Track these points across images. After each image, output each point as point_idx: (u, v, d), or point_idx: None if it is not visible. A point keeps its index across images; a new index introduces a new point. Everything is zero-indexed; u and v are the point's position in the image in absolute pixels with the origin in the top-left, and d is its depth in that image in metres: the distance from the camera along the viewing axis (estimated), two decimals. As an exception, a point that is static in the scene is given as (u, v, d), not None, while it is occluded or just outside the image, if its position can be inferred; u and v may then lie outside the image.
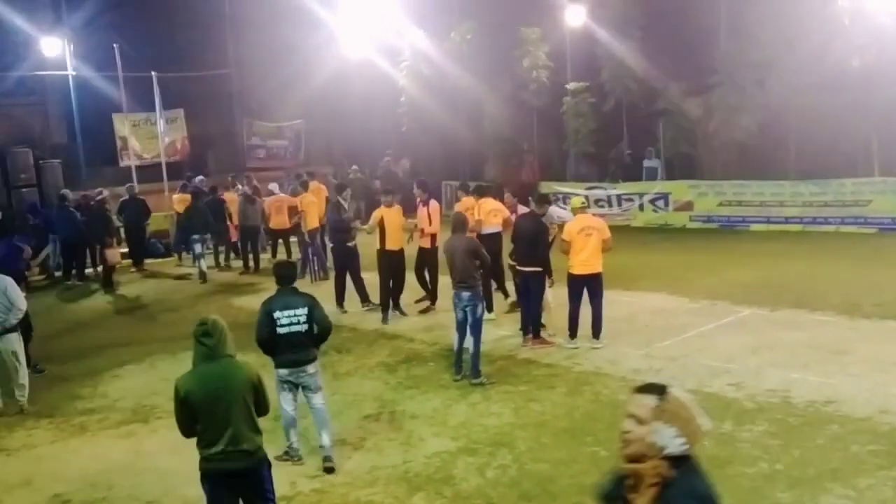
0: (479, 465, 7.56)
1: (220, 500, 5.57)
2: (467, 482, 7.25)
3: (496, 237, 12.78)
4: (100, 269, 18.80)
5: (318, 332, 7.62)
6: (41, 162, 22.23)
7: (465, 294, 9.88)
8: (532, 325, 11.12)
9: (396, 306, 13.41)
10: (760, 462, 7.19)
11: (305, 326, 7.51)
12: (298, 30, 24.90)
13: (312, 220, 16.72)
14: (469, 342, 9.95)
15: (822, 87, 17.69)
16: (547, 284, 11.17)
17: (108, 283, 17.66)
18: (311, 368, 7.69)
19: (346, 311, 13.70)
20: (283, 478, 7.43)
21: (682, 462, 3.13)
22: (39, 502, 7.48)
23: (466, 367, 9.96)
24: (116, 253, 18.43)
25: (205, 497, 5.60)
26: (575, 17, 21.62)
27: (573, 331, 10.91)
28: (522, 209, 12.73)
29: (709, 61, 19.48)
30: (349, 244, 14.05)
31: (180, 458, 8.21)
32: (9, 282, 9.77)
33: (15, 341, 9.89)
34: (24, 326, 11.65)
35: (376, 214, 13.23)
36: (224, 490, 5.54)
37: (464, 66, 23.96)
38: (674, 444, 3.12)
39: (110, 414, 9.71)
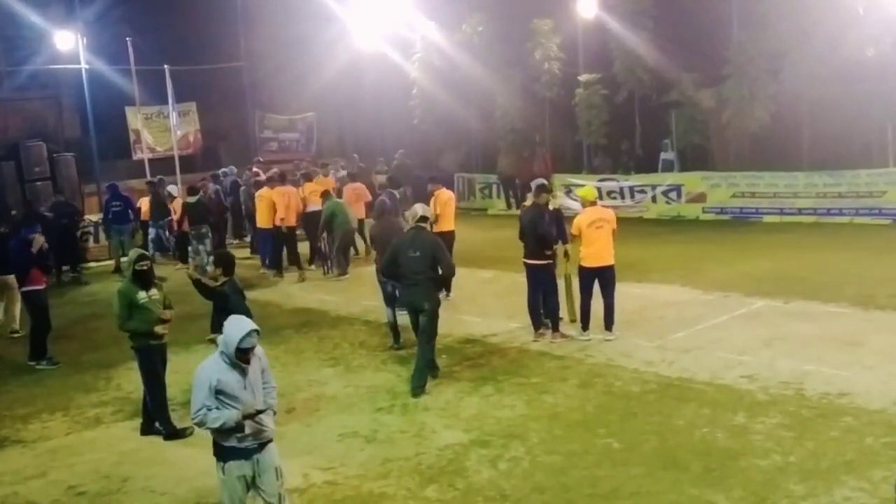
0: (492, 458, 7.57)
1: (152, 361, 8.91)
2: (480, 474, 7.26)
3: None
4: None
5: None
6: (55, 155, 22.34)
7: None
8: (552, 319, 11.06)
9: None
10: (773, 454, 7.17)
11: None
12: (310, 23, 24.88)
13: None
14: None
15: (837, 78, 17.60)
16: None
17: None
18: None
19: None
20: (295, 470, 7.47)
21: None
22: (54, 494, 7.53)
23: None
24: None
25: (137, 359, 8.91)
26: (587, 9, 21.45)
27: (585, 323, 10.89)
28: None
29: (721, 52, 19.32)
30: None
31: (194, 450, 8.27)
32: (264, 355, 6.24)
33: (277, 454, 6.21)
34: (42, 319, 11.79)
35: None
36: (155, 355, 8.94)
37: (475, 57, 23.87)
38: None
39: (125, 406, 9.78)
